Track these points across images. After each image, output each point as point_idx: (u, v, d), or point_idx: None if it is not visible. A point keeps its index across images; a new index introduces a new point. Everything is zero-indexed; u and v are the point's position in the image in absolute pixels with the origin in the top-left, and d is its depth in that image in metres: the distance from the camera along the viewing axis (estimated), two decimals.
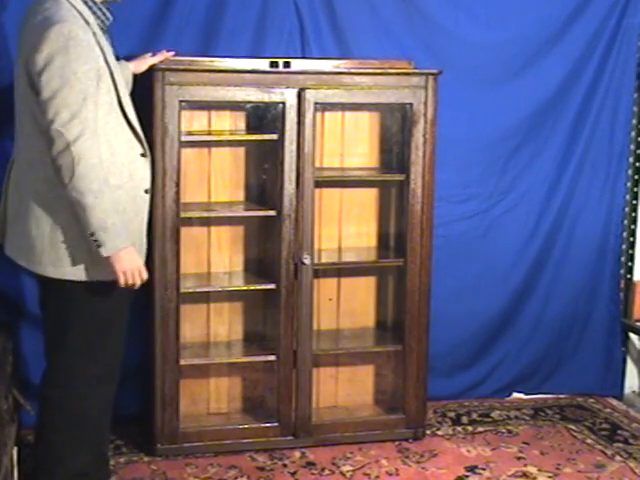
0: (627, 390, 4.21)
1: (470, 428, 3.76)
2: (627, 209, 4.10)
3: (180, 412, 3.39)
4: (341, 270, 3.67)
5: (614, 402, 4.09)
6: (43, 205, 2.64)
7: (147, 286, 3.38)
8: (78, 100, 2.52)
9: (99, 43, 2.63)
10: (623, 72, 3.93)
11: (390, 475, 3.34)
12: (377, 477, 3.32)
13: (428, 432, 3.66)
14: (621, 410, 4.02)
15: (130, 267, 2.64)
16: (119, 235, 2.60)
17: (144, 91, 3.31)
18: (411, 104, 3.38)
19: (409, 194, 3.44)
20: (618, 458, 3.52)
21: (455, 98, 3.68)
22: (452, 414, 3.90)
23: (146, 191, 2.78)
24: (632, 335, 4.20)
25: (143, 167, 2.77)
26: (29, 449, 3.27)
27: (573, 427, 3.81)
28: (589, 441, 3.67)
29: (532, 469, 3.41)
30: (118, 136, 2.68)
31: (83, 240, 2.62)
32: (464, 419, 3.85)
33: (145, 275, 2.72)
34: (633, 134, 4.04)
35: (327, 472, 3.33)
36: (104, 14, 2.71)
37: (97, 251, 2.59)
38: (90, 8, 2.67)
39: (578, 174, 3.99)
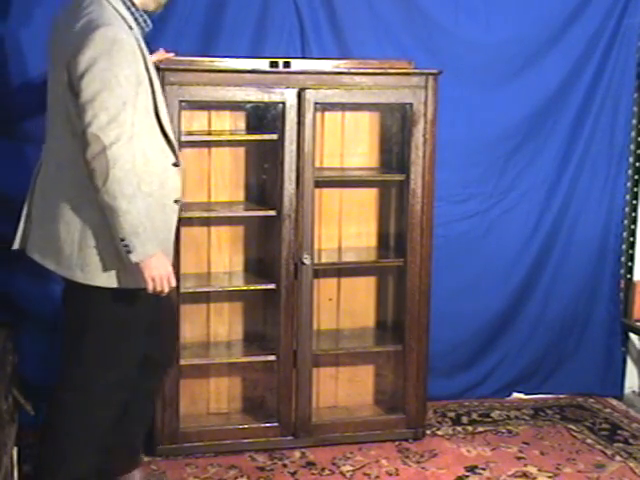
0: (627, 390, 4.21)
1: (470, 428, 3.76)
2: (627, 209, 4.10)
3: (180, 412, 3.39)
4: (341, 270, 3.67)
5: (614, 402, 4.09)
6: (73, 209, 2.62)
7: None
8: (117, 104, 2.50)
9: (140, 48, 2.61)
10: (623, 72, 3.93)
11: (390, 475, 3.34)
12: (377, 477, 3.32)
13: (428, 432, 3.66)
14: (621, 410, 4.02)
15: (159, 274, 2.60)
16: (150, 241, 2.56)
17: None
18: (411, 104, 3.38)
19: (409, 194, 3.44)
20: (618, 458, 3.51)
21: (455, 98, 3.68)
22: (452, 414, 3.90)
23: (176, 201, 2.73)
24: (632, 335, 4.20)
25: (174, 176, 2.73)
26: (29, 449, 3.28)
27: (573, 427, 3.81)
28: (589, 441, 3.67)
29: (532, 469, 3.41)
30: (152, 143, 2.65)
31: (112, 246, 2.59)
32: (464, 419, 3.85)
33: (173, 282, 2.67)
34: (633, 134, 4.05)
35: (327, 472, 3.33)
36: (145, 21, 2.69)
37: (127, 257, 2.56)
38: (132, 14, 2.65)
39: (578, 174, 3.99)
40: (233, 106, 3.45)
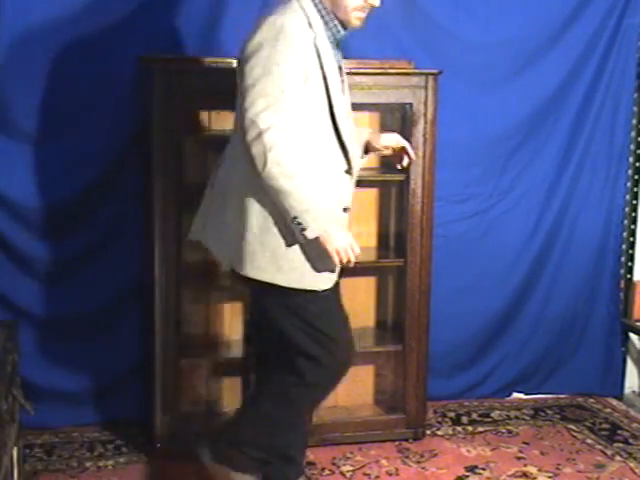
0: (627, 390, 4.21)
1: (470, 428, 3.76)
2: (627, 209, 4.11)
3: (180, 412, 3.38)
4: (341, 270, 3.66)
5: (614, 402, 4.09)
6: (244, 202, 2.63)
7: (148, 286, 3.40)
8: (276, 91, 2.50)
9: (317, 48, 2.60)
10: (623, 72, 3.94)
11: (390, 475, 3.34)
12: (377, 477, 3.32)
13: (428, 432, 3.66)
14: (621, 410, 4.02)
15: (342, 244, 2.59)
16: (322, 216, 2.54)
17: (144, 91, 3.32)
18: (411, 104, 3.39)
19: (409, 194, 3.44)
20: (618, 458, 3.52)
21: (455, 98, 3.68)
22: (452, 414, 3.90)
23: (345, 209, 2.72)
24: (632, 335, 4.20)
25: (344, 184, 2.71)
26: (29, 449, 3.29)
27: (573, 427, 3.81)
28: (589, 441, 3.67)
29: (532, 469, 3.41)
30: (321, 144, 2.63)
31: (277, 242, 2.60)
32: (464, 419, 3.85)
33: (357, 249, 2.64)
34: (633, 134, 4.05)
35: (327, 472, 3.33)
36: (335, 26, 2.68)
37: (303, 235, 2.54)
38: (323, 17, 2.65)
39: (578, 174, 3.99)
40: (234, 106, 3.44)
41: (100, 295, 3.54)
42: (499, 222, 3.95)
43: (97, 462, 3.35)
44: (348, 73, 3.31)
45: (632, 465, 3.46)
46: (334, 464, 3.39)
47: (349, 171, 2.72)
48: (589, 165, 4.00)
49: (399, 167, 3.01)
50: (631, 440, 3.69)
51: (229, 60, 3.38)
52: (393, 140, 2.98)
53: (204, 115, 3.45)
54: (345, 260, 2.62)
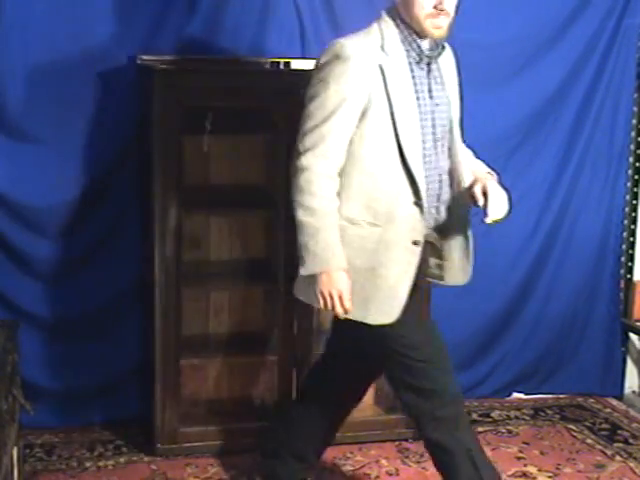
0: (627, 390, 4.21)
1: None
2: (627, 209, 4.11)
3: (180, 412, 3.38)
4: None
5: (614, 402, 4.10)
6: None
7: (148, 286, 3.40)
8: (321, 115, 2.49)
9: (383, 72, 2.52)
10: (623, 72, 3.94)
11: (390, 475, 3.34)
12: (377, 477, 3.32)
13: None
14: (621, 410, 4.02)
15: (328, 290, 2.49)
16: (317, 256, 2.48)
17: (144, 91, 3.32)
18: None
19: None
20: (618, 458, 3.52)
21: None
22: None
23: (415, 243, 2.58)
24: (632, 335, 4.20)
25: (413, 216, 2.57)
26: (29, 449, 3.28)
27: (573, 427, 3.81)
28: (589, 441, 3.67)
29: (532, 469, 3.41)
30: (385, 175, 2.54)
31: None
32: None
33: (348, 304, 2.51)
34: (633, 134, 4.05)
35: (327, 472, 3.33)
36: (418, 47, 2.58)
37: (299, 268, 2.53)
38: (405, 38, 2.59)
39: (578, 174, 3.99)
40: (233, 106, 3.45)
41: (100, 295, 3.54)
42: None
43: (97, 462, 3.36)
44: None
45: (632, 465, 3.46)
46: (334, 464, 3.39)
47: (418, 203, 2.58)
48: (589, 165, 3.99)
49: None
50: (631, 440, 3.69)
51: (229, 60, 3.40)
52: (477, 193, 2.65)
53: (204, 115, 3.45)
54: (330, 308, 2.52)
